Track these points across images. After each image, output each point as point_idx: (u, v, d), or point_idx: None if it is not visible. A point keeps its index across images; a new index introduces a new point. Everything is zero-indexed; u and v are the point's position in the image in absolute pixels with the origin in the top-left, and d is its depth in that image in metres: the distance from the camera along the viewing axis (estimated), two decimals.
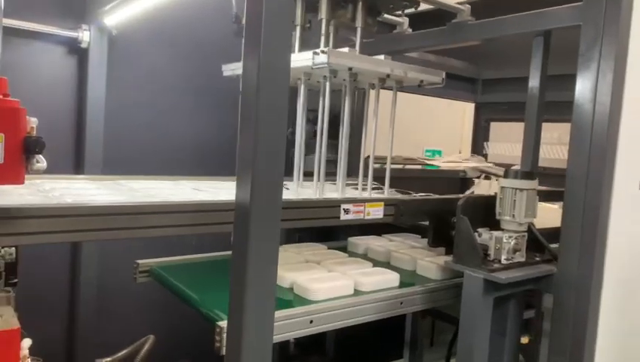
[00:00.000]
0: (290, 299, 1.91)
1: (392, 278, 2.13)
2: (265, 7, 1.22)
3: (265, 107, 1.23)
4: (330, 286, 1.94)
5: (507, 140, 4.28)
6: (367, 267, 2.27)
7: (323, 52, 1.90)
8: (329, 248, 2.62)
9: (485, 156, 4.41)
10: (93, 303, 2.85)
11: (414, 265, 2.36)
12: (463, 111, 4.81)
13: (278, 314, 1.65)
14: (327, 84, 2.14)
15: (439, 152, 4.74)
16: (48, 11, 2.64)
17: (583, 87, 1.92)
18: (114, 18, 2.56)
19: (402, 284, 2.13)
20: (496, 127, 4.43)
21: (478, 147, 4.52)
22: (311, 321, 1.75)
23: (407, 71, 2.16)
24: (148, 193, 1.85)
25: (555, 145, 3.83)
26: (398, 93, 2.32)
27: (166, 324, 3.08)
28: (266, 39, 1.22)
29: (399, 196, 2.16)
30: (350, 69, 2.02)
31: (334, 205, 1.83)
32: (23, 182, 1.25)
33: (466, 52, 3.26)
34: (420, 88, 2.35)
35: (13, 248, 1.72)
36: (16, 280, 1.86)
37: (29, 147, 1.23)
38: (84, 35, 2.66)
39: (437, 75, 2.28)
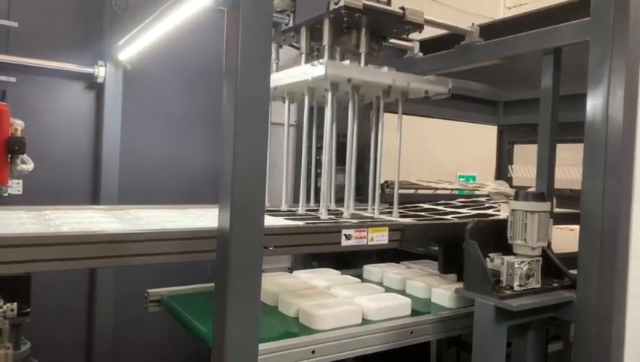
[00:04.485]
0: (293, 327, 1.87)
1: (403, 305, 2.06)
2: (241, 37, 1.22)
3: (243, 134, 1.23)
4: (336, 313, 1.88)
5: (532, 163, 4.15)
6: (378, 293, 2.21)
7: (321, 63, 1.89)
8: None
9: (510, 180, 4.28)
10: (109, 333, 2.86)
11: (429, 293, 2.28)
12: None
13: (276, 344, 1.62)
14: (330, 96, 2.11)
15: (473, 177, 4.64)
16: (67, 49, 2.74)
17: (594, 104, 1.86)
18: (127, 53, 2.65)
19: (414, 312, 2.06)
20: (520, 150, 4.31)
21: (502, 170, 4.40)
22: (313, 351, 1.70)
23: (410, 81, 2.12)
24: (149, 221, 1.85)
25: None
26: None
27: (182, 355, 3.07)
28: (243, 71, 1.22)
29: (405, 220, 2.10)
30: (349, 80, 2.00)
31: (334, 231, 1.78)
32: (6, 182, 1.26)
33: (485, 75, 3.20)
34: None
35: (15, 304, 1.64)
36: (29, 310, 1.88)
37: (11, 147, 1.25)
38: (100, 71, 2.76)
39: (443, 84, 2.22)
